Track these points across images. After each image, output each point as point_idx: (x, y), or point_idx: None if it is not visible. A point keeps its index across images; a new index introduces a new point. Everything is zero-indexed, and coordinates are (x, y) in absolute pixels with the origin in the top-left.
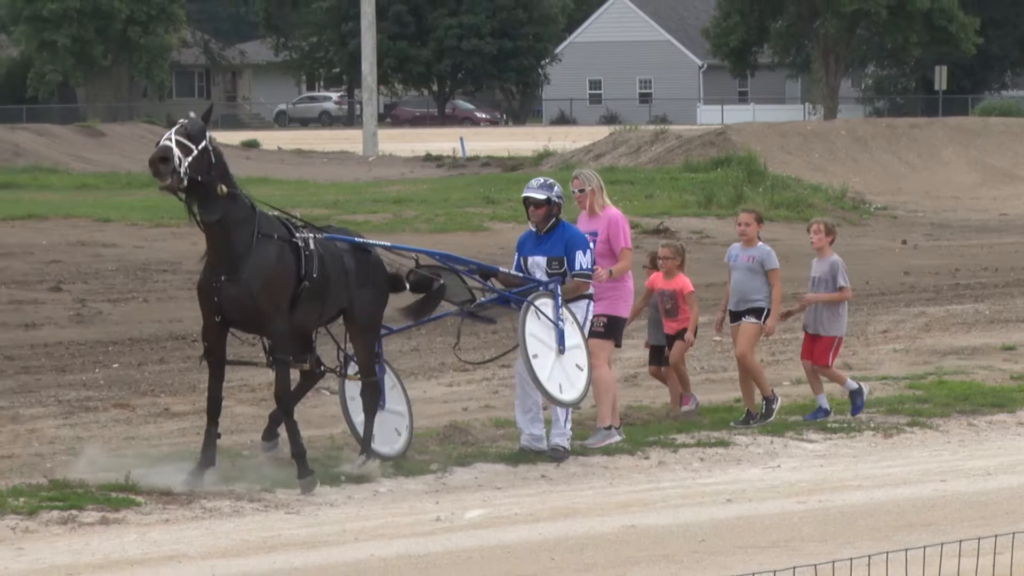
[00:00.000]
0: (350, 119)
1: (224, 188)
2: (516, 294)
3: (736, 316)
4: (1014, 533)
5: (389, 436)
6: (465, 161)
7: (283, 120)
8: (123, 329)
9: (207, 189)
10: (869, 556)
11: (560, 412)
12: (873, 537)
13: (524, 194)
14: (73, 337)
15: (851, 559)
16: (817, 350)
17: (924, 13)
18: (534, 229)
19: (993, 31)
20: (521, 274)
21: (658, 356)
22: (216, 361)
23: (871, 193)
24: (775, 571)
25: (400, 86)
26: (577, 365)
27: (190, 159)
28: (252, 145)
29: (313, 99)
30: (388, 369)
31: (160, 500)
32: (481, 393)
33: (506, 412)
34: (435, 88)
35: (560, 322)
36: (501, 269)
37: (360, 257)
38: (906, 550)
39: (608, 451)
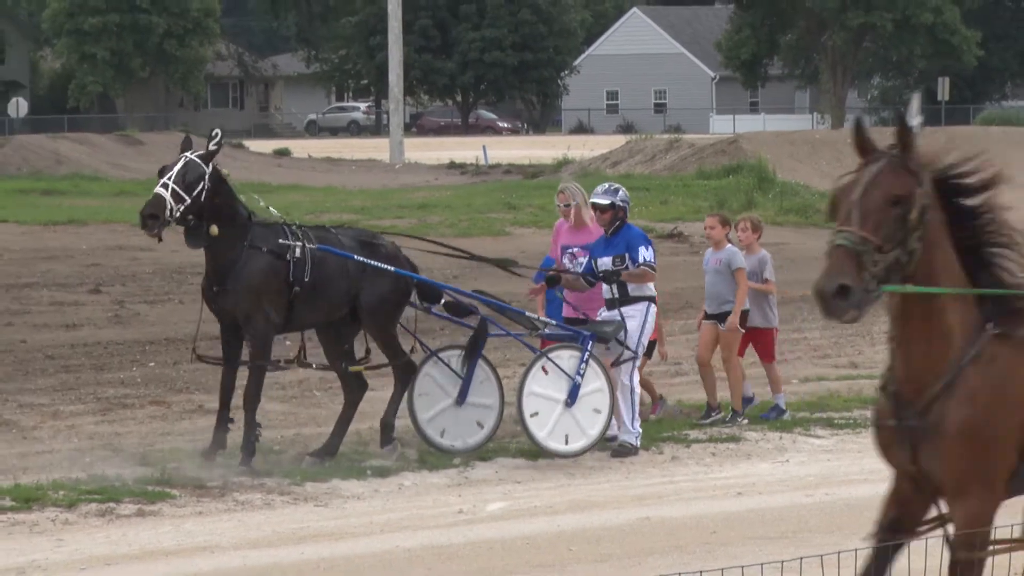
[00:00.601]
0: (377, 128)
1: (215, 229)
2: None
3: (712, 318)
4: (1012, 525)
5: (467, 428)
6: (487, 169)
7: (313, 129)
8: (159, 329)
9: (193, 224)
10: (874, 547)
11: (626, 411)
12: None
13: (590, 200)
14: (111, 337)
15: (856, 550)
16: (761, 345)
17: (928, 27)
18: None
19: (994, 44)
20: (574, 273)
21: None
22: (227, 357)
23: None
24: (783, 561)
25: (425, 97)
26: (595, 409)
27: (183, 207)
28: (284, 153)
29: (342, 109)
30: (483, 363)
31: (194, 493)
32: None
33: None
34: (459, 99)
35: (578, 376)
36: (564, 274)
37: (367, 252)
38: (909, 541)
39: (623, 447)
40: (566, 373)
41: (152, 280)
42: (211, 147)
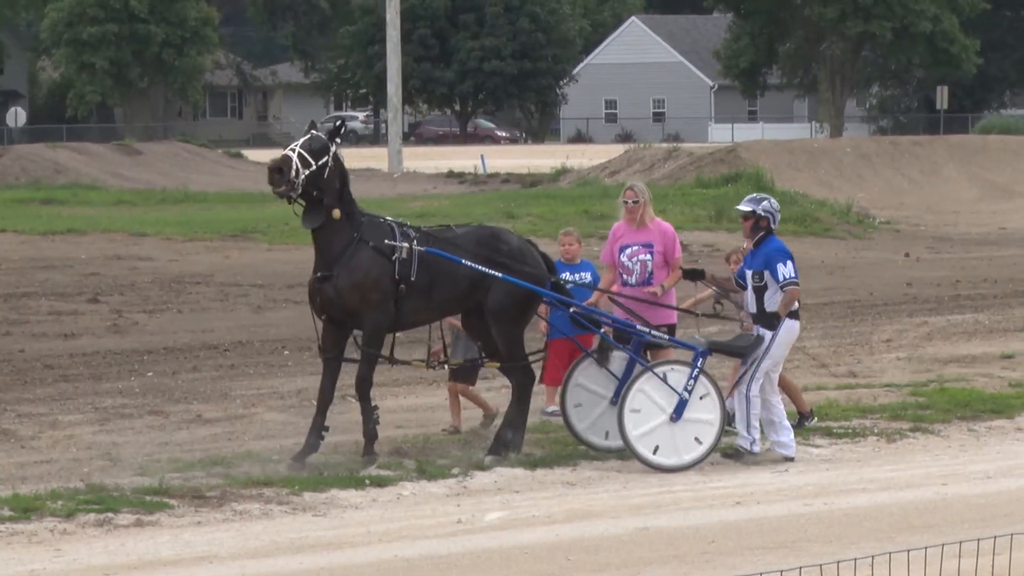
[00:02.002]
0: (376, 137)
1: (338, 213)
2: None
3: None
4: (1012, 535)
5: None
6: (486, 178)
7: None
8: (158, 339)
9: (315, 201)
10: (872, 557)
11: (740, 419)
12: (876, 538)
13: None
14: (110, 347)
15: (855, 559)
16: None
17: (926, 36)
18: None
19: (992, 53)
20: (720, 282)
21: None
22: (329, 359)
23: (875, 208)
24: (782, 571)
25: (424, 106)
26: (696, 439)
27: (308, 172)
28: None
29: (341, 118)
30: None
31: (192, 503)
32: (500, 400)
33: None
34: (457, 108)
35: (686, 392)
36: (706, 273)
37: (486, 252)
38: (908, 551)
39: (621, 456)
40: (671, 386)
41: (151, 290)
42: (336, 129)
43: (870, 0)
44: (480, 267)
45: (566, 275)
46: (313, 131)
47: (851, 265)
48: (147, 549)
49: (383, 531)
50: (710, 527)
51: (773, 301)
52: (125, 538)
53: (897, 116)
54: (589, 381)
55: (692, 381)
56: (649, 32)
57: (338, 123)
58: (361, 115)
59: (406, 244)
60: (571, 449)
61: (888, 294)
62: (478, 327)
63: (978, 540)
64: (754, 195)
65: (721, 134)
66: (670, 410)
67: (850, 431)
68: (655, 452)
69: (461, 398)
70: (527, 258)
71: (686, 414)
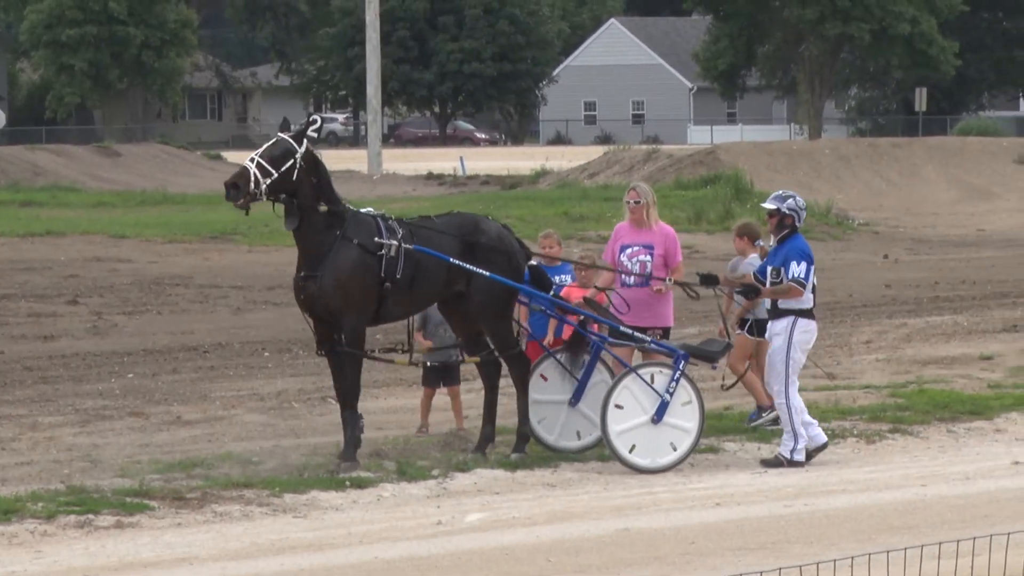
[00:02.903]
0: (355, 139)
1: (325, 207)
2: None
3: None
4: (991, 536)
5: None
6: (466, 179)
7: None
8: (137, 341)
9: (290, 203)
10: (852, 558)
11: (787, 438)
12: (857, 539)
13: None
14: (89, 348)
15: (835, 560)
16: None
17: (905, 37)
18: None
19: (971, 55)
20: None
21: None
22: (327, 353)
23: (854, 209)
24: (762, 572)
25: (403, 108)
26: (672, 444)
27: (269, 181)
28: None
29: (314, 116)
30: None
31: (172, 505)
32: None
33: (505, 420)
34: (437, 110)
35: (668, 394)
36: (720, 277)
37: (468, 243)
38: (888, 552)
39: (602, 457)
40: (654, 389)
41: (130, 291)
42: (303, 128)
43: (848, 2)
44: (467, 265)
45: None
46: (280, 134)
47: (830, 267)
48: (127, 551)
49: (363, 532)
50: (691, 528)
51: (788, 300)
52: (105, 540)
53: (876, 118)
54: (543, 394)
55: (674, 384)
56: (628, 34)
57: (310, 119)
58: (341, 117)
59: (394, 242)
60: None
61: (867, 295)
62: (456, 318)
63: (957, 541)
64: (779, 192)
65: (700, 136)
66: (652, 412)
67: (829, 433)
68: (631, 451)
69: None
70: (506, 244)
71: (667, 418)
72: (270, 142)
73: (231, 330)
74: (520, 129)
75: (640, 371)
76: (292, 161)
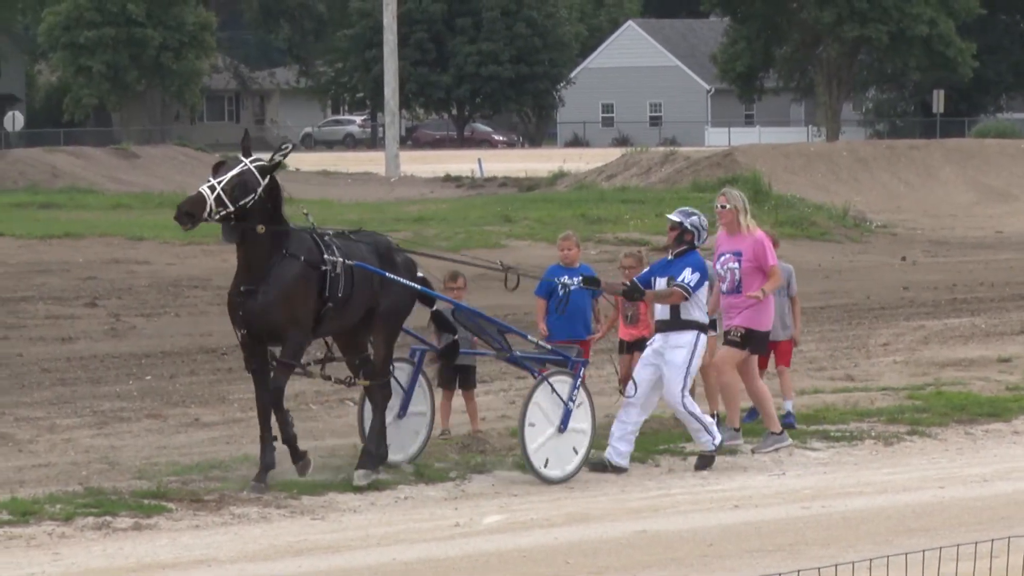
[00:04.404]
0: (373, 142)
1: (262, 228)
2: (547, 360)
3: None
4: (1009, 537)
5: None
6: (483, 181)
7: (309, 142)
8: (155, 343)
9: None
10: (870, 560)
11: (697, 434)
12: (874, 541)
13: (667, 216)
14: (107, 350)
15: (853, 563)
16: (780, 354)
17: (923, 39)
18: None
19: (988, 57)
20: (625, 287)
21: None
22: (257, 371)
23: (872, 211)
24: (780, 574)
25: (421, 110)
26: (574, 448)
27: (222, 212)
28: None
29: (338, 122)
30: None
31: (191, 506)
32: (498, 404)
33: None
34: (454, 112)
35: (571, 403)
36: (603, 282)
37: (387, 259)
38: (906, 554)
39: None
40: (561, 397)
41: (148, 293)
42: (276, 157)
43: (866, 4)
44: (411, 283)
45: (564, 279)
46: (245, 162)
47: (848, 269)
48: (145, 552)
49: (381, 535)
50: (708, 530)
51: (687, 309)
52: (123, 542)
53: (893, 120)
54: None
55: (576, 391)
56: (646, 36)
57: (282, 146)
58: (358, 119)
59: (340, 259)
60: None
61: (885, 298)
62: (347, 337)
63: (975, 543)
64: (686, 208)
65: (718, 138)
66: (558, 422)
67: (847, 434)
68: (546, 465)
69: (450, 402)
70: (410, 263)
71: (570, 424)
72: (235, 170)
73: None
74: (537, 131)
75: (547, 382)
76: (252, 196)
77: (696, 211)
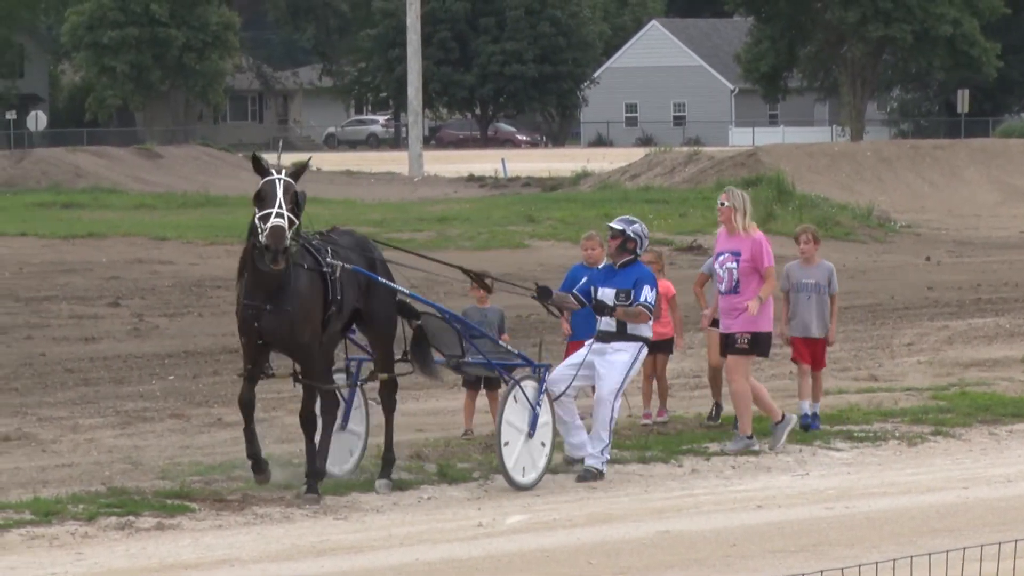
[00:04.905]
0: (396, 141)
1: (293, 245)
2: (504, 367)
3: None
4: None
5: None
6: (506, 181)
7: (332, 142)
8: (179, 343)
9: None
10: (894, 560)
11: (598, 440)
12: (898, 542)
13: (608, 224)
14: (131, 350)
15: (877, 563)
16: (816, 353)
17: (947, 39)
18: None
19: (1012, 56)
20: (572, 298)
21: None
22: (254, 373)
23: (896, 211)
24: (803, 574)
25: (444, 110)
26: (542, 442)
27: (292, 231)
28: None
29: (361, 122)
30: (358, 390)
31: (213, 506)
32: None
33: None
34: (478, 111)
35: (537, 407)
36: (555, 292)
37: (369, 258)
38: (929, 554)
39: (643, 459)
40: (530, 403)
41: (171, 293)
42: (299, 168)
43: (890, 3)
44: (402, 289)
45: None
46: (282, 177)
47: (872, 269)
48: (168, 552)
49: (404, 535)
50: (731, 530)
51: (636, 326)
52: (146, 541)
53: (918, 119)
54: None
55: (542, 395)
56: (669, 36)
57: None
58: (381, 119)
59: (341, 263)
60: None
61: (909, 298)
62: (329, 346)
63: (999, 544)
64: (627, 216)
65: (741, 138)
66: (526, 428)
67: (871, 435)
68: (523, 475)
69: (473, 402)
70: (385, 266)
71: (537, 428)
72: (281, 189)
73: None
74: (561, 131)
75: (511, 395)
76: (303, 203)
77: (637, 219)
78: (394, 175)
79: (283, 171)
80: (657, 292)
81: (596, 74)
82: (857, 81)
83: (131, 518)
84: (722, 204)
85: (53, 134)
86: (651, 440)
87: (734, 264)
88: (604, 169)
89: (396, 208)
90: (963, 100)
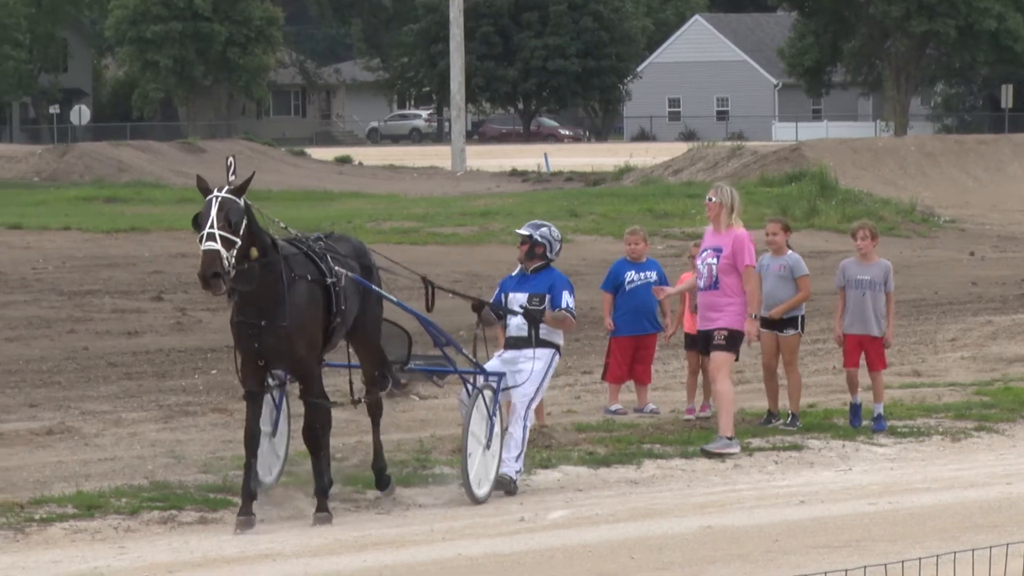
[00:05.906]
0: (439, 136)
1: (255, 252)
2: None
3: (770, 325)
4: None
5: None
6: (549, 176)
7: (375, 137)
8: (221, 337)
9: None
10: (937, 556)
11: (514, 446)
12: (941, 537)
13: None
14: (173, 344)
15: (920, 559)
16: (873, 353)
17: (991, 33)
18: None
19: None
20: (502, 308)
21: None
22: (254, 392)
23: (940, 206)
24: (846, 570)
25: (487, 104)
26: (493, 453)
27: (235, 251)
28: (345, 161)
29: (404, 117)
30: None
31: (256, 501)
32: (563, 398)
33: (587, 416)
34: (521, 106)
35: (493, 417)
36: (487, 303)
37: (365, 264)
38: (973, 550)
39: (686, 455)
40: (489, 414)
41: None
42: (232, 179)
43: None
44: (389, 295)
45: (631, 273)
46: (216, 195)
47: (916, 264)
48: (211, 547)
49: (446, 529)
50: (774, 526)
51: (549, 332)
52: (189, 536)
53: (962, 114)
54: (265, 425)
55: (497, 404)
56: (713, 30)
57: (231, 171)
58: (424, 113)
59: (345, 271)
60: (635, 447)
61: (953, 293)
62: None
63: None
64: (535, 221)
65: (785, 132)
66: (484, 440)
67: (914, 430)
68: (479, 486)
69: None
70: (378, 273)
71: (492, 439)
72: (215, 207)
73: None
74: (604, 126)
75: (478, 399)
76: (244, 221)
77: (547, 223)
78: (437, 170)
79: (223, 188)
80: (574, 297)
81: (639, 69)
82: (901, 76)
83: (173, 512)
84: (710, 200)
85: (96, 128)
86: (694, 435)
87: (714, 260)
88: (647, 164)
89: (439, 203)
90: (1007, 95)
